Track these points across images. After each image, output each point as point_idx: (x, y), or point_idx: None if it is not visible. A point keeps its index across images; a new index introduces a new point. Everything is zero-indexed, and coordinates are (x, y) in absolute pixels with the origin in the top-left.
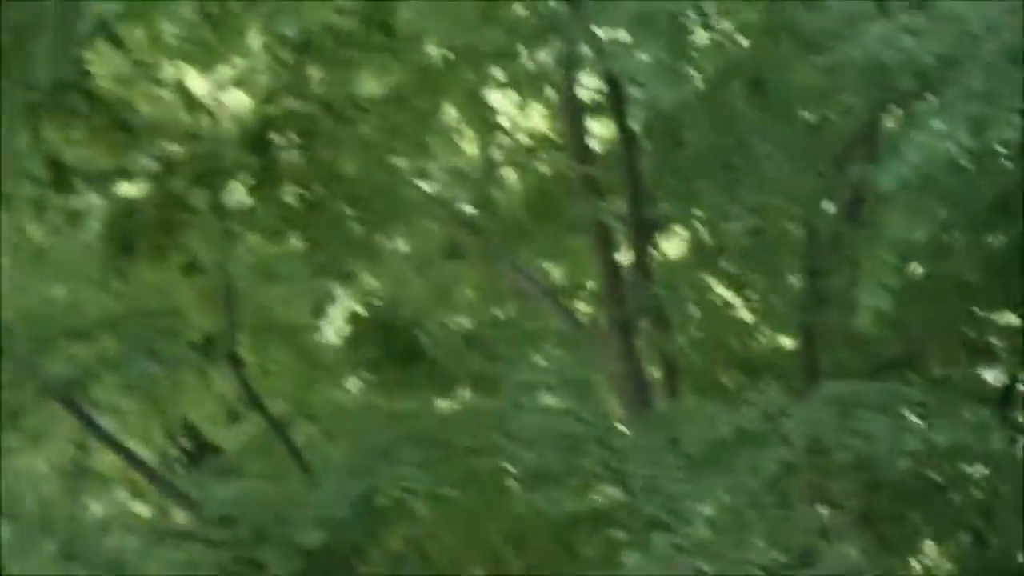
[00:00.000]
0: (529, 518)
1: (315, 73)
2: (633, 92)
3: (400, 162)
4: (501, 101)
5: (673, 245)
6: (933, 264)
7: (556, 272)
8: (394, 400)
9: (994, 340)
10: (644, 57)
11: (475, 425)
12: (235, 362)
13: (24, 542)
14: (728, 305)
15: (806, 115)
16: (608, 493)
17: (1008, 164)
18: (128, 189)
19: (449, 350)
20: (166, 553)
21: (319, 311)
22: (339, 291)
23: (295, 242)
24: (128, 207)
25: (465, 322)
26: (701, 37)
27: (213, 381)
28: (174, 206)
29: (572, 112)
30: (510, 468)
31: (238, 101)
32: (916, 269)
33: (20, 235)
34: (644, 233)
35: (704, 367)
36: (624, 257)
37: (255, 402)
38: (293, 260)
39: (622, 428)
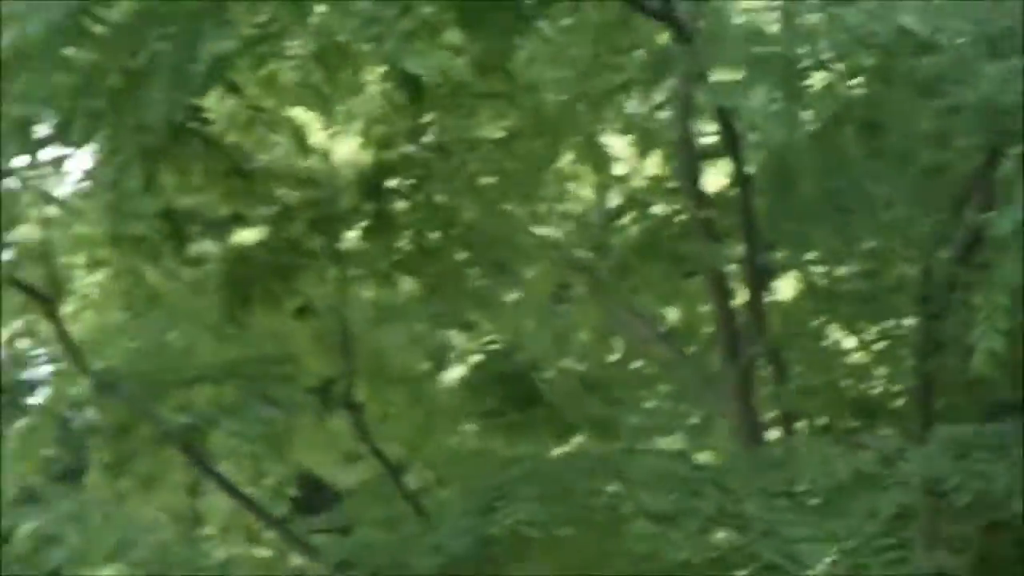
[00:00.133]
0: (646, 561)
1: (430, 118)
2: (747, 134)
3: (515, 207)
4: (616, 144)
5: (788, 287)
6: None
7: (671, 315)
8: (511, 446)
9: None
10: (758, 98)
11: (591, 468)
12: (352, 407)
13: None
14: (843, 349)
15: (921, 158)
16: (724, 537)
17: None
18: (244, 235)
19: (566, 395)
20: None
21: (438, 361)
22: (457, 339)
23: (411, 287)
24: (244, 252)
25: (580, 366)
26: (815, 79)
27: (329, 426)
28: (290, 251)
29: (687, 154)
30: (627, 510)
31: (353, 146)
32: None
33: (135, 279)
34: (759, 276)
35: (819, 410)
36: (739, 300)
37: (371, 447)
38: (409, 306)
39: (737, 471)
